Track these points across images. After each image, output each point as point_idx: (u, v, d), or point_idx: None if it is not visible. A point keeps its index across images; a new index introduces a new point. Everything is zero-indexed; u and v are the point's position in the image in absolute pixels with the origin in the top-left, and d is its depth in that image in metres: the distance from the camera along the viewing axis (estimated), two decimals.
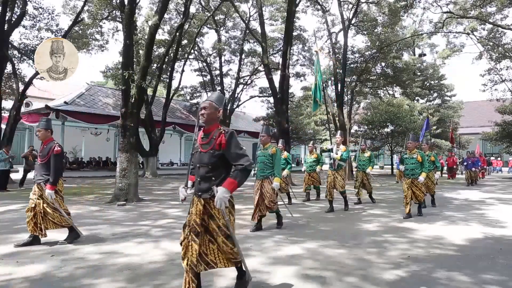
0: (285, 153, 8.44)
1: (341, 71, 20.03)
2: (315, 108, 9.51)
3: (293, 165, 10.49)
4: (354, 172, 9.52)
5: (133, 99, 9.28)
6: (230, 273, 3.44)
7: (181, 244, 2.74)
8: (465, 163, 16.01)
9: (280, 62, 17.88)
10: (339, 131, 8.21)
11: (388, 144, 23.99)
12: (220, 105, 2.79)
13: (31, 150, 12.85)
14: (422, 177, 6.75)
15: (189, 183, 2.96)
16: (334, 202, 7.76)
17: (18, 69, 15.28)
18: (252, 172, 5.46)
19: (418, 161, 6.78)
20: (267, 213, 5.54)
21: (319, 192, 9.84)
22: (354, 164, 9.58)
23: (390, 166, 26.99)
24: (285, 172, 8.08)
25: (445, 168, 21.13)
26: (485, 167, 22.67)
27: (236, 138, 2.69)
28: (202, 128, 2.82)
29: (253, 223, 5.55)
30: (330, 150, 7.40)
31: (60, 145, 4.70)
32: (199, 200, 2.73)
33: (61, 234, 5.01)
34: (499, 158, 31.37)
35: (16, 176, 14.72)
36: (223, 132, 2.68)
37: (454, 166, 20.69)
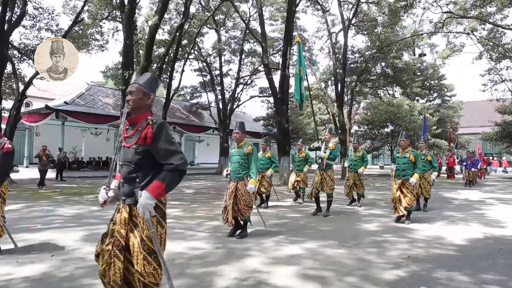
0: (269, 152, 8.19)
1: (341, 71, 20.04)
2: (301, 106, 8.68)
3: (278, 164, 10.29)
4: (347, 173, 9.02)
5: None
6: (230, 273, 3.44)
7: (97, 256, 2.23)
8: (464, 163, 15.47)
9: (280, 62, 17.87)
10: (327, 128, 7.61)
11: (388, 144, 23.98)
12: (151, 90, 2.29)
13: (44, 150, 12.84)
14: (414, 179, 6.03)
15: (113, 183, 2.51)
16: (334, 202, 7.74)
17: (18, 69, 15.27)
18: (225, 173, 5.22)
19: (410, 160, 6.12)
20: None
21: (304, 195, 9.04)
22: (346, 164, 9.09)
23: (390, 166, 27.00)
24: (269, 172, 7.82)
25: (444, 168, 20.95)
26: (485, 167, 22.36)
27: (167, 130, 2.18)
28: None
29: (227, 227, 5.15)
30: (318, 149, 6.84)
31: (11, 142, 4.12)
32: (123, 206, 2.29)
33: (61, 234, 5.01)
34: (495, 159, 31.25)
35: (16, 176, 14.74)
36: (151, 122, 2.15)
37: (454, 166, 20.37)
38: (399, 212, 6.13)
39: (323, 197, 7.14)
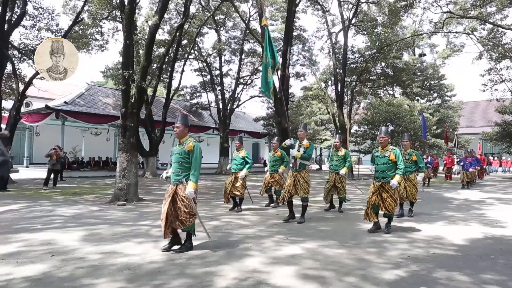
0: (243, 151, 7.49)
1: (341, 71, 20.04)
2: (268, 94, 7.01)
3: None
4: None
5: (133, 99, 9.28)
6: (230, 273, 3.44)
7: None
8: (461, 163, 14.67)
9: (280, 62, 17.87)
10: (302, 123, 6.71)
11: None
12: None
13: (55, 149, 12.74)
14: (395, 181, 5.23)
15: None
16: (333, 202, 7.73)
17: (18, 69, 15.27)
18: (164, 175, 4.55)
19: (391, 160, 5.35)
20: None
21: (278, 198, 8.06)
22: (325, 166, 8.68)
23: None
24: (242, 173, 7.21)
25: (442, 168, 20.46)
26: (485, 167, 21.99)
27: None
28: None
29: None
30: (290, 146, 6.09)
31: None
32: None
33: (61, 234, 5.02)
34: (496, 158, 31.23)
35: (16, 176, 14.74)
36: None
37: (452, 166, 19.61)
38: (370, 219, 5.42)
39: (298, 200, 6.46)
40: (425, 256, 4.14)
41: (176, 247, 4.27)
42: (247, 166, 7.34)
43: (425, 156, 15.58)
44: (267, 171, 8.28)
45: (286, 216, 6.34)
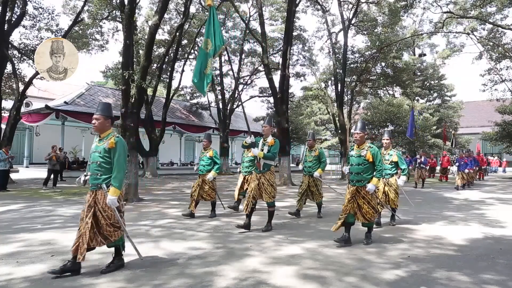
0: (211, 151, 6.68)
1: (341, 71, 20.04)
2: (202, 88, 5.63)
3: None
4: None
5: (133, 99, 9.28)
6: (230, 273, 3.44)
7: None
8: (457, 164, 13.75)
9: (280, 62, 17.87)
10: (267, 117, 5.52)
11: None
12: None
13: (54, 150, 12.70)
14: (371, 185, 4.49)
15: None
16: (333, 202, 7.72)
17: (18, 69, 15.27)
18: (82, 179, 3.68)
19: (367, 160, 4.56)
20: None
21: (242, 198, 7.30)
22: (300, 166, 7.31)
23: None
24: (210, 175, 6.41)
25: (438, 168, 19.61)
26: (484, 167, 21.11)
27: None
28: None
29: None
30: (252, 145, 5.22)
31: None
32: None
33: (61, 234, 5.02)
34: (495, 158, 31.13)
35: (16, 176, 14.74)
36: None
37: (448, 167, 18.73)
38: (335, 228, 4.64)
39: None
40: (425, 256, 4.14)
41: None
42: (216, 167, 6.57)
43: (418, 156, 15.03)
44: (240, 172, 7.41)
45: (241, 223, 5.38)
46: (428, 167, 19.85)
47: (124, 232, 3.58)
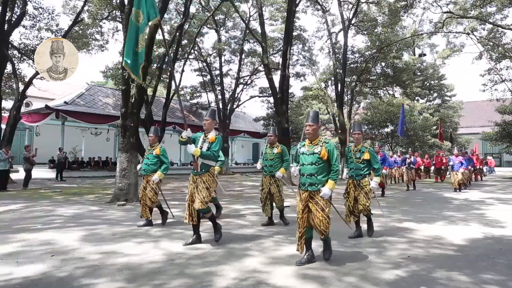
0: (158, 148, 5.79)
1: (341, 71, 20.05)
2: (136, 71, 4.68)
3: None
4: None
5: (133, 99, 9.28)
6: (230, 273, 3.45)
7: None
8: (450, 163, 13.02)
9: (280, 62, 17.88)
10: (209, 110, 4.84)
11: (388, 144, 23.99)
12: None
13: (29, 150, 12.76)
14: (327, 189, 3.66)
15: None
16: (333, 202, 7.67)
17: (18, 69, 15.28)
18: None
19: (321, 158, 3.74)
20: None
21: (218, 205, 6.62)
22: (258, 166, 6.23)
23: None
24: (155, 176, 5.60)
25: (432, 169, 18.80)
26: (481, 167, 20.29)
27: None
28: None
29: None
30: (188, 141, 4.42)
31: None
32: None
33: (61, 234, 5.02)
34: (490, 158, 30.87)
35: (16, 176, 14.74)
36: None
37: (443, 167, 17.48)
38: (301, 248, 3.78)
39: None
40: (425, 256, 4.14)
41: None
42: (163, 167, 5.74)
43: (408, 156, 14.30)
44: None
45: (189, 239, 4.58)
46: (422, 167, 19.67)
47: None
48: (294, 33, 21.43)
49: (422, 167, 19.27)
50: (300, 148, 3.98)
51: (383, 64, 22.66)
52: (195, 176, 4.49)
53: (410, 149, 17.90)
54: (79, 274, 3.38)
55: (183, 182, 15.31)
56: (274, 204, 5.90)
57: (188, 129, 4.46)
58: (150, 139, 5.91)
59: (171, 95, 20.88)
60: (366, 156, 5.01)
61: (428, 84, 30.55)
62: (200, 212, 4.42)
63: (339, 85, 20.04)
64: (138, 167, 6.13)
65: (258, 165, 6.24)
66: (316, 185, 3.72)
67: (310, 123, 3.89)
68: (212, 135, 4.54)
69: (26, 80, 15.36)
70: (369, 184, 4.98)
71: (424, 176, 20.14)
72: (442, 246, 4.61)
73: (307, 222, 3.76)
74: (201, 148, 4.46)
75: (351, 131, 4.96)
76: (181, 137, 4.44)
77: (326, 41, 23.23)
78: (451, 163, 12.84)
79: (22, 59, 15.79)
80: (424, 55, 31.53)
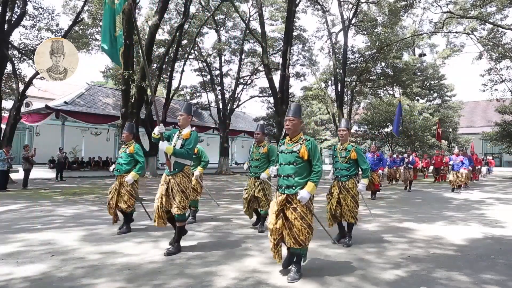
0: (132, 146, 5.35)
1: (341, 71, 20.07)
2: (116, 55, 4.56)
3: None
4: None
5: (133, 99, 9.29)
6: (230, 273, 3.44)
7: None
8: (450, 162, 12.73)
9: (280, 62, 17.88)
10: (184, 104, 4.44)
11: (388, 144, 24.00)
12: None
13: (26, 148, 12.74)
14: (305, 192, 3.21)
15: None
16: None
17: (18, 69, 15.29)
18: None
19: (301, 157, 3.31)
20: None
21: (195, 208, 6.15)
22: (245, 166, 5.66)
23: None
24: (129, 177, 5.10)
25: (431, 169, 18.45)
26: (479, 167, 19.86)
27: None
28: None
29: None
30: (161, 138, 4.07)
31: None
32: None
33: (61, 234, 5.02)
34: (490, 157, 30.83)
35: (16, 176, 14.74)
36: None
37: (442, 167, 17.10)
38: (278, 257, 3.36)
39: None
40: (425, 256, 4.14)
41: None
42: (138, 166, 5.27)
43: (406, 155, 13.96)
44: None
45: (171, 247, 4.14)
46: (420, 167, 19.53)
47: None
48: (294, 33, 21.44)
49: (420, 167, 19.18)
50: (280, 145, 3.58)
51: (383, 64, 22.68)
52: (167, 176, 4.10)
53: (409, 148, 17.85)
54: (79, 274, 3.38)
55: None
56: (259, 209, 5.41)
57: (161, 124, 4.06)
58: (123, 136, 5.41)
59: (171, 95, 20.90)
60: (353, 155, 4.57)
61: (428, 84, 30.58)
62: (176, 219, 4.04)
63: (339, 85, 20.07)
64: (111, 168, 5.61)
65: (245, 166, 5.65)
66: (293, 187, 3.29)
67: (290, 117, 3.44)
68: (186, 131, 4.16)
69: (26, 80, 15.37)
70: (355, 187, 4.55)
71: (425, 176, 20.13)
72: (442, 246, 4.60)
73: (281, 230, 3.30)
74: (174, 146, 4.07)
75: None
76: (154, 133, 4.10)
77: (326, 41, 23.28)
78: (451, 162, 12.59)
79: (22, 59, 15.80)
80: (424, 55, 31.55)
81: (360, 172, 4.66)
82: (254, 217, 5.71)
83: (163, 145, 3.98)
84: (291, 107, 3.55)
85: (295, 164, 3.32)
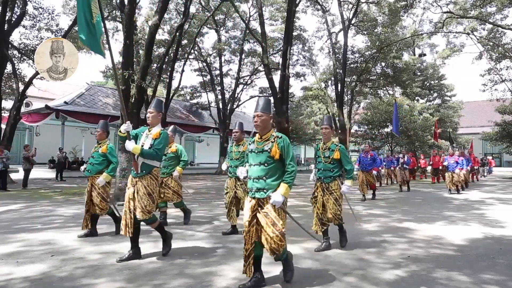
0: (105, 145, 5.04)
1: (341, 71, 20.06)
2: (97, 47, 3.99)
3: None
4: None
5: (133, 99, 9.28)
6: (230, 273, 3.44)
7: None
8: (445, 162, 12.39)
9: (280, 62, 17.88)
10: (154, 100, 4.07)
11: (388, 144, 24.00)
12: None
13: (27, 149, 12.73)
14: (278, 195, 2.95)
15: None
16: None
17: (18, 69, 15.29)
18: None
19: (272, 157, 3.05)
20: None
21: (186, 209, 6.04)
22: (223, 166, 5.40)
23: None
24: (101, 179, 4.82)
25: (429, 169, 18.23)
26: (477, 168, 19.51)
27: None
28: None
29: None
30: (128, 137, 3.75)
31: None
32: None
33: (61, 234, 5.02)
34: (490, 157, 30.72)
35: (16, 176, 14.74)
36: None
37: (440, 167, 16.54)
38: (249, 270, 3.09)
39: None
40: (425, 256, 4.14)
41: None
42: (110, 167, 4.93)
43: (401, 155, 13.81)
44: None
45: (125, 254, 3.86)
46: (417, 167, 19.40)
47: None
48: (294, 33, 21.43)
49: (416, 167, 19.10)
50: (249, 144, 3.29)
51: (383, 64, 22.67)
52: (134, 178, 3.80)
53: (405, 148, 17.76)
54: (79, 274, 3.38)
55: (182, 182, 15.29)
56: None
57: (128, 122, 3.73)
58: (96, 135, 5.11)
59: (171, 95, 20.89)
60: (336, 155, 4.31)
61: (428, 84, 30.56)
62: (144, 222, 3.80)
63: (339, 85, 20.05)
64: (82, 168, 5.40)
65: (224, 166, 5.35)
66: (265, 190, 3.01)
67: (258, 113, 3.17)
68: (156, 130, 3.85)
69: (26, 80, 15.37)
70: (339, 188, 4.32)
71: (420, 176, 20.08)
72: (442, 246, 4.60)
73: (256, 236, 3.06)
74: (142, 145, 3.79)
75: (320, 125, 4.28)
76: (120, 131, 3.75)
77: (326, 41, 23.28)
78: (445, 163, 12.28)
79: (22, 59, 15.80)
80: (424, 55, 31.54)
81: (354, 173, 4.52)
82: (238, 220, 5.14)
83: (129, 145, 3.65)
84: (259, 102, 3.26)
85: (266, 164, 3.04)
